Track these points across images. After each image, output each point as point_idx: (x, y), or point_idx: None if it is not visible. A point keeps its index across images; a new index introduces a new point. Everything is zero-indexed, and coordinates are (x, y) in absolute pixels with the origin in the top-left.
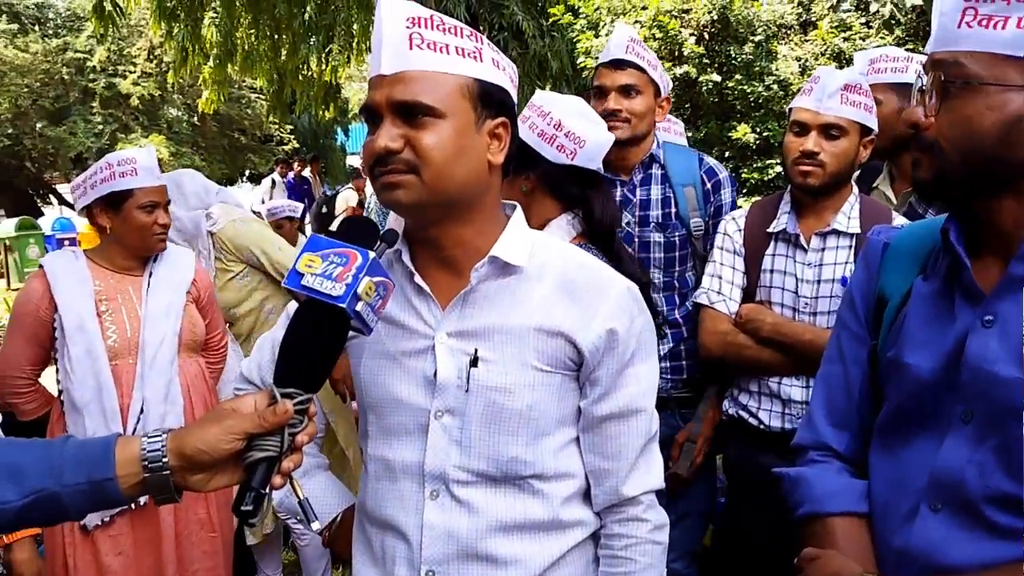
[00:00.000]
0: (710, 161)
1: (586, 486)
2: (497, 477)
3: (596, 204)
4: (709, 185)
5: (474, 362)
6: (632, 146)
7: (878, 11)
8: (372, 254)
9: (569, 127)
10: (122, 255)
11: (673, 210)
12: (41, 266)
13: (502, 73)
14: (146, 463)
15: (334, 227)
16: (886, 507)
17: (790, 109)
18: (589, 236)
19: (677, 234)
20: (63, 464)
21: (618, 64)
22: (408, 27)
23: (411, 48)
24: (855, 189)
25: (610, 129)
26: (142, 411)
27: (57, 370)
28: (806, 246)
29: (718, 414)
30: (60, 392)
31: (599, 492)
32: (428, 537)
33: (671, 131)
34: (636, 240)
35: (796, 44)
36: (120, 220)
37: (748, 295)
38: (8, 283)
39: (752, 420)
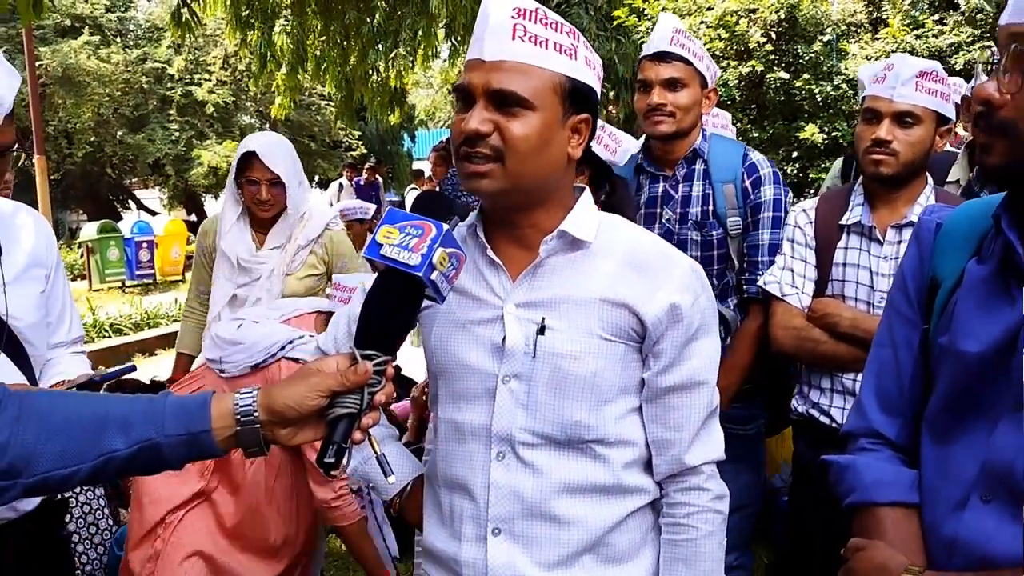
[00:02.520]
0: (754, 156)
1: (647, 454)
2: (561, 440)
3: (627, 199)
4: (748, 182)
5: (541, 330)
6: (677, 140)
7: (964, 7)
8: (446, 226)
9: (610, 128)
10: None
11: (711, 208)
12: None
13: (592, 72)
14: (239, 417)
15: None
16: (936, 496)
17: (863, 98)
18: None
19: (714, 233)
20: (165, 417)
21: (662, 57)
22: (514, 17)
23: (514, 38)
24: (929, 180)
25: (655, 124)
26: None
27: None
28: (881, 239)
29: (745, 358)
30: None
31: (661, 461)
32: (494, 496)
33: (717, 125)
34: (675, 238)
35: (866, 42)
36: None
37: (818, 288)
38: (90, 284)
39: (824, 419)
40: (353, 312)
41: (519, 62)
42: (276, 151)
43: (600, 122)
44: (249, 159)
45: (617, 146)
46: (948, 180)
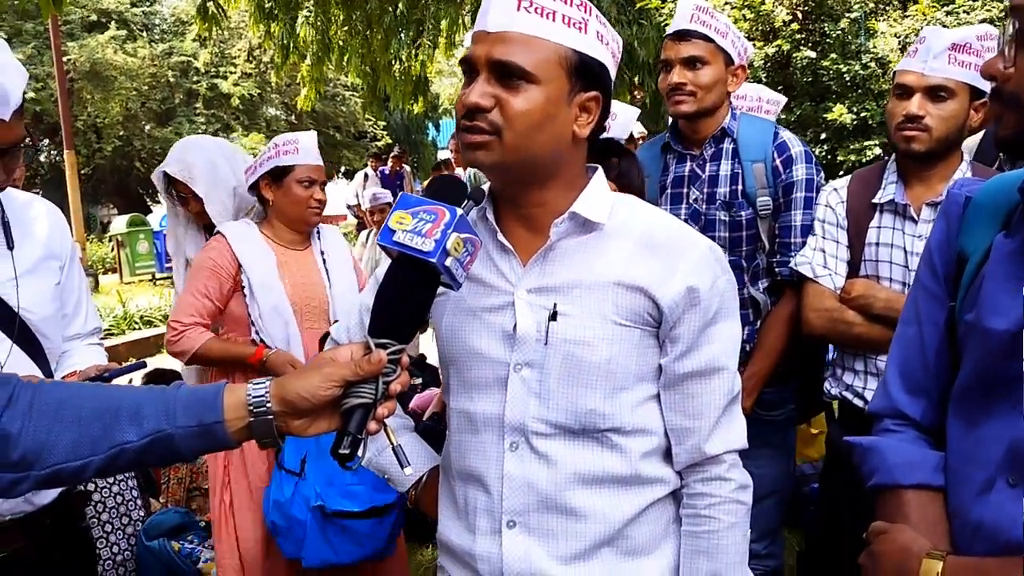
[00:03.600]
0: (785, 135)
1: (666, 443)
2: (575, 430)
3: (632, 171)
4: (779, 161)
5: (553, 316)
6: (702, 119)
7: None
8: (460, 211)
9: None
10: (286, 229)
11: (740, 187)
12: (220, 232)
13: (604, 48)
14: (251, 408)
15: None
16: (961, 479)
17: (895, 72)
18: None
19: (743, 213)
20: (176, 408)
21: (682, 35)
22: None
23: (519, 9)
24: (965, 156)
25: (676, 104)
26: None
27: (251, 324)
28: (916, 217)
29: (778, 342)
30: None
31: (681, 451)
32: (508, 488)
33: (771, 112)
34: (703, 218)
35: (895, 20)
36: (281, 193)
37: (851, 269)
38: (121, 277)
39: (858, 401)
40: (365, 302)
41: (523, 33)
42: (191, 163)
43: None
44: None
45: (610, 121)
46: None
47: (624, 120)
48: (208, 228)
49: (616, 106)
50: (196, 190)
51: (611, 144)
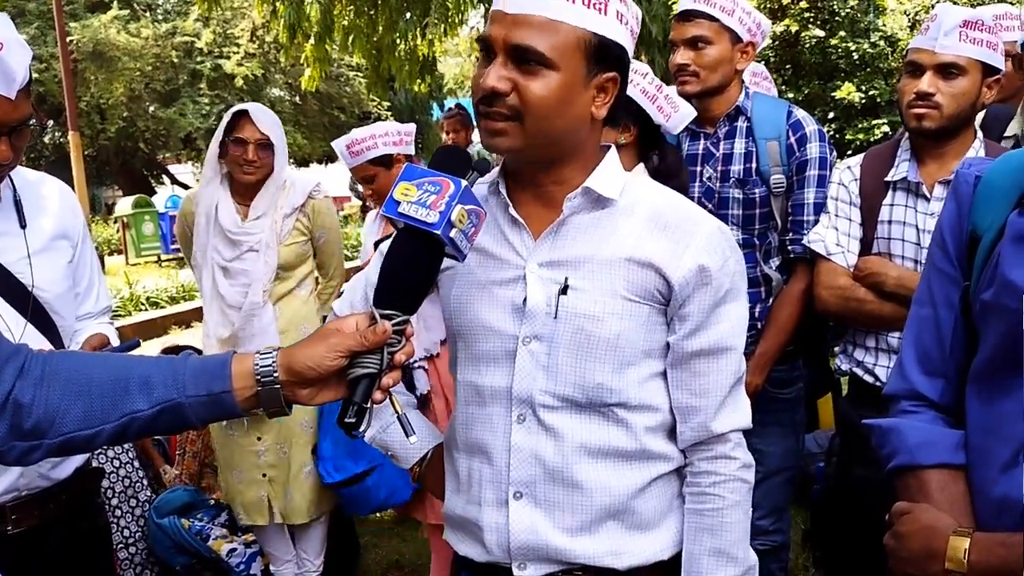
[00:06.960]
0: (799, 114)
1: (671, 421)
2: (582, 403)
3: (671, 159)
4: (793, 139)
5: (563, 290)
6: (710, 98)
7: None
8: (464, 183)
9: (668, 91)
10: None
11: (754, 165)
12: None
13: (623, 27)
14: (259, 377)
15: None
16: (983, 456)
17: (907, 51)
18: None
19: (757, 191)
20: (186, 378)
21: (687, 16)
22: None
23: None
24: (979, 134)
25: (682, 84)
26: None
27: None
28: (929, 195)
29: (791, 319)
30: None
31: (686, 429)
32: (515, 459)
33: (761, 86)
34: (716, 196)
35: None
36: None
37: (864, 247)
38: (127, 259)
39: (868, 377)
40: (370, 277)
41: (542, 16)
42: (265, 115)
43: (658, 82)
44: (239, 119)
45: (672, 111)
46: (1006, 135)
47: (683, 116)
48: (236, 193)
49: (679, 100)
50: (266, 132)
51: (654, 132)
